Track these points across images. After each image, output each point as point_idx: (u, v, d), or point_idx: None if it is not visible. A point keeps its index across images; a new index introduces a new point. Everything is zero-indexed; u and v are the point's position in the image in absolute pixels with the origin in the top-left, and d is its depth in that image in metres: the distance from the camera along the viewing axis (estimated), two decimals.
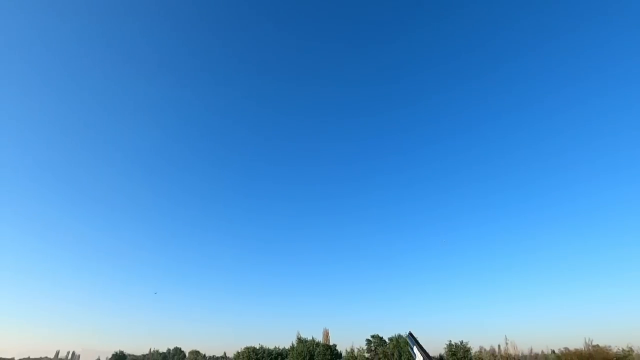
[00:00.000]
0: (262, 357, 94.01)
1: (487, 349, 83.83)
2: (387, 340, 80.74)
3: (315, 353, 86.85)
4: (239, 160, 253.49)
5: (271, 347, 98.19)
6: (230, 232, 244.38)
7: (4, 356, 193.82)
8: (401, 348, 74.33)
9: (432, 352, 79.96)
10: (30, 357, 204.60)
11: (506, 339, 77.65)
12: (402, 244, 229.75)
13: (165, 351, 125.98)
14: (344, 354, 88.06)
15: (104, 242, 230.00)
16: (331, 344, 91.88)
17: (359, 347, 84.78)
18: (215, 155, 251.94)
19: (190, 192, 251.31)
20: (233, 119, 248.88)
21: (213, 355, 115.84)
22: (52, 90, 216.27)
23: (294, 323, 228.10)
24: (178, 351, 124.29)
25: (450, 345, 74.14)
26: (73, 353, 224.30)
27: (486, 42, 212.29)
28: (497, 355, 78.49)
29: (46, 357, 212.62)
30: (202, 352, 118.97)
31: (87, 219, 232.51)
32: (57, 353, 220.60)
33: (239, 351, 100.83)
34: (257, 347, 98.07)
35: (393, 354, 74.68)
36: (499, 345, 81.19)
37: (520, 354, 78.63)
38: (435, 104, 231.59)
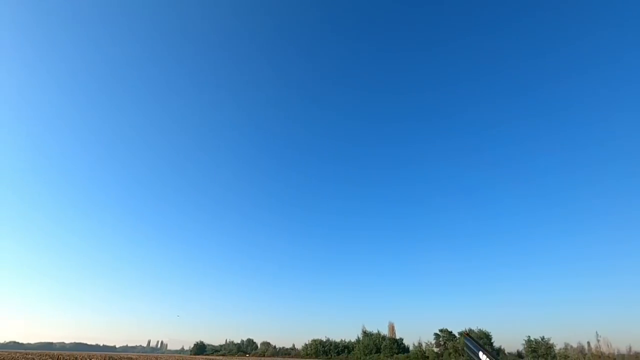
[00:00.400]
0: (329, 349, 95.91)
1: (574, 345, 75.63)
2: (457, 335, 77.09)
3: (382, 346, 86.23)
4: (315, 163, 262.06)
5: (337, 340, 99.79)
6: (300, 233, 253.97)
7: (108, 344, 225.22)
8: None
9: (507, 349, 74.66)
10: (128, 345, 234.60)
11: (597, 335, 69.34)
12: (476, 236, 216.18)
13: (239, 342, 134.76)
14: (411, 348, 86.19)
15: (185, 244, 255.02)
16: (397, 337, 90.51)
17: (427, 342, 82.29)
18: (290, 158, 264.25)
19: (268, 194, 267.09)
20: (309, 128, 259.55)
21: (282, 347, 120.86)
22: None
23: (359, 317, 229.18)
24: (250, 342, 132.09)
25: (529, 341, 68.36)
26: (161, 342, 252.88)
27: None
28: (586, 354, 70.43)
29: (140, 345, 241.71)
30: (272, 343, 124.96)
31: (172, 219, 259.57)
32: (149, 342, 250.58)
33: (307, 343, 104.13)
34: (324, 340, 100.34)
35: (464, 349, 71.19)
36: (587, 343, 72.88)
37: (616, 352, 69.58)
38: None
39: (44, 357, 31.02)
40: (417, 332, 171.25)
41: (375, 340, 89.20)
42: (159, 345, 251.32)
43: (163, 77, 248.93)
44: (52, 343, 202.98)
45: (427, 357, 76.52)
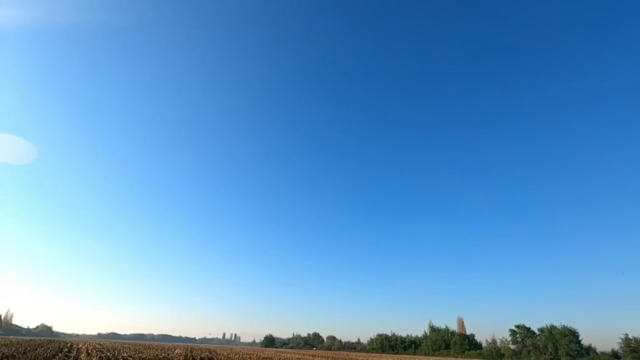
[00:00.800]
0: (395, 344, 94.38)
1: None
2: (536, 332, 70.86)
3: (451, 342, 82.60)
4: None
5: (403, 335, 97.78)
6: (367, 227, 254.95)
7: (189, 336, 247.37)
8: (557, 341, 64.08)
9: (600, 348, 66.59)
10: (206, 337, 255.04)
11: None
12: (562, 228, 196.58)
13: (305, 336, 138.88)
14: (483, 344, 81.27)
15: (257, 242, 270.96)
16: (467, 333, 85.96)
17: (501, 338, 76.86)
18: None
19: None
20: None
21: (348, 341, 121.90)
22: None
23: (425, 312, 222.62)
24: (317, 336, 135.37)
25: (627, 339, 60.27)
26: (235, 335, 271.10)
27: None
28: None
29: (216, 338, 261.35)
30: (338, 337, 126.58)
31: (246, 217, 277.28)
32: (224, 334, 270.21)
33: (372, 338, 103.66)
34: (389, 335, 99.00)
35: (547, 347, 65.01)
36: None
37: None
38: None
39: (137, 346, 35.03)
40: (488, 328, 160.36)
41: (444, 336, 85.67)
42: (232, 338, 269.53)
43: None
44: (143, 334, 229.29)
45: (503, 354, 71.51)
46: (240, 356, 23.34)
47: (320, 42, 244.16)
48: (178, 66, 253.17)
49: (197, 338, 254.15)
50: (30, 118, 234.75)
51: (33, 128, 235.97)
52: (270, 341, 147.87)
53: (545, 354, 64.12)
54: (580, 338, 63.91)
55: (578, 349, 61.85)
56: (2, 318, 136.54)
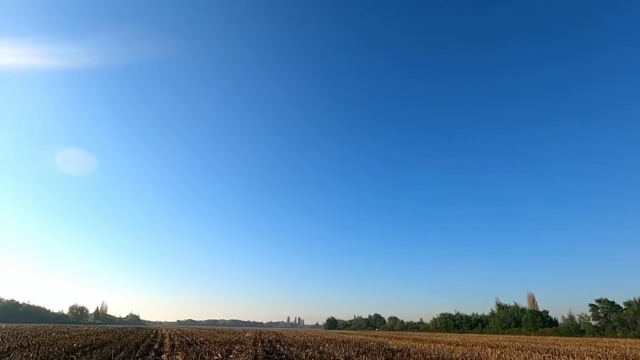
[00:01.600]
0: (460, 323, 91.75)
1: None
2: (622, 305, 64.29)
3: (522, 319, 78.20)
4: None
5: (468, 313, 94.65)
6: (429, 203, 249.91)
7: (257, 320, 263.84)
8: None
9: None
10: (272, 321, 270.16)
11: None
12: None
13: (367, 317, 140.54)
14: (559, 321, 75.81)
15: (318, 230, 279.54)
16: (539, 310, 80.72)
17: (580, 314, 70.98)
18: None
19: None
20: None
21: (410, 321, 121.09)
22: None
23: (491, 290, 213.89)
24: (378, 317, 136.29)
25: None
26: (299, 318, 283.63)
27: None
28: None
29: (281, 321, 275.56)
30: (400, 318, 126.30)
31: (303, 204, 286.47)
32: (288, 318, 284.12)
33: (435, 317, 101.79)
34: (454, 314, 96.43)
35: (635, 322, 58.77)
36: None
37: None
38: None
39: (212, 331, 38.10)
40: (564, 304, 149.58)
41: (513, 313, 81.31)
42: (297, 321, 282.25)
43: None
44: (216, 320, 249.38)
45: (583, 330, 66.13)
46: (305, 338, 24.21)
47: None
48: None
49: (264, 322, 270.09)
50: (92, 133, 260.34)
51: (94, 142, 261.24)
52: (332, 323, 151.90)
53: (634, 329, 58.08)
54: None
55: None
56: (99, 309, 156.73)
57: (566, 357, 13.79)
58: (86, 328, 46.51)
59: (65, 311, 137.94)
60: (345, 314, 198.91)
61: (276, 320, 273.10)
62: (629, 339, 48.57)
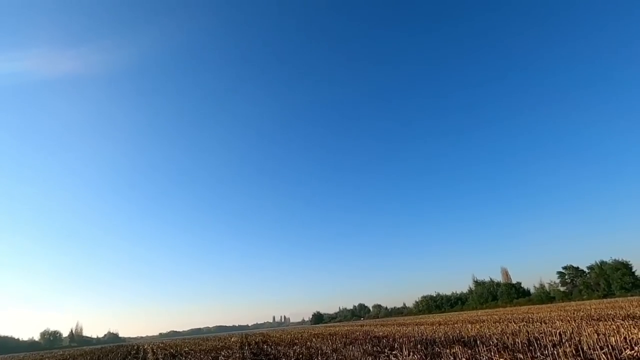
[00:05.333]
0: (441, 304, 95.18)
1: None
2: (585, 270, 69.14)
3: (498, 293, 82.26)
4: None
5: (448, 293, 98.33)
6: (399, 189, 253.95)
7: (242, 324, 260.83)
8: (608, 276, 62.25)
9: None
10: (257, 322, 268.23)
11: None
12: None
13: (352, 308, 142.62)
14: (532, 291, 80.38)
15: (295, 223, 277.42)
16: (514, 282, 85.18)
17: (549, 282, 75.63)
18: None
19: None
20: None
21: (394, 307, 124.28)
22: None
23: (467, 267, 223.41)
24: (362, 307, 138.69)
25: None
26: (284, 317, 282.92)
27: None
28: None
29: (267, 322, 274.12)
30: (384, 305, 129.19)
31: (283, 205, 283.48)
32: (274, 318, 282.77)
33: (417, 301, 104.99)
34: (434, 295, 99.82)
35: (599, 284, 63.38)
36: None
37: None
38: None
39: (196, 340, 37.26)
40: (535, 274, 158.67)
41: (489, 288, 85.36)
42: (282, 320, 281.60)
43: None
44: (200, 328, 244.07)
45: (553, 297, 70.52)
46: (292, 335, 24.22)
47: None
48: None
49: (249, 325, 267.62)
50: None
51: None
52: (318, 318, 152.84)
53: (597, 290, 62.64)
54: (634, 269, 61.79)
55: (632, 280, 59.94)
56: (74, 331, 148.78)
57: (539, 323, 14.62)
58: (61, 353, 44.11)
59: (37, 337, 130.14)
60: (330, 307, 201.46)
61: (262, 322, 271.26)
62: (593, 300, 52.36)
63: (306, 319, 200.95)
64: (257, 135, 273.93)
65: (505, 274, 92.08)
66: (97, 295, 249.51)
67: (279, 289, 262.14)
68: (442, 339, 11.45)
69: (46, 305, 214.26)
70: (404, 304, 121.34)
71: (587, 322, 12.59)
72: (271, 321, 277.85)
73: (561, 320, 15.33)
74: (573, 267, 71.27)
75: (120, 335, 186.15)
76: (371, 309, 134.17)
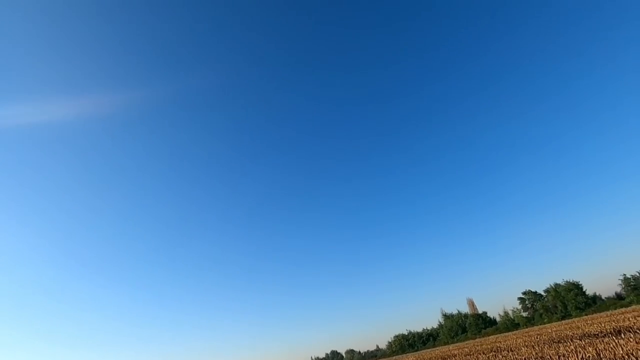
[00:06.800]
0: (414, 342, 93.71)
1: None
2: (543, 294, 72.45)
3: (467, 325, 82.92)
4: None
5: (419, 330, 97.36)
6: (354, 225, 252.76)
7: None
8: (563, 297, 65.66)
9: (604, 294, 68.49)
10: None
11: None
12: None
13: (324, 356, 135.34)
14: (497, 319, 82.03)
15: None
16: (480, 312, 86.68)
17: (512, 308, 77.97)
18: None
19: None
20: None
21: (367, 350, 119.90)
22: None
23: (435, 301, 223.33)
24: (335, 353, 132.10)
25: (626, 279, 62.50)
26: None
27: None
28: None
29: None
30: (356, 349, 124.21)
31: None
32: None
33: (390, 341, 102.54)
34: (406, 333, 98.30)
35: (556, 306, 66.42)
36: None
37: None
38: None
39: None
40: (498, 301, 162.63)
41: (458, 321, 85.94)
42: None
43: None
44: None
45: (518, 324, 72.38)
46: None
47: None
48: None
49: None
50: None
51: None
52: None
53: (556, 313, 65.40)
54: (584, 289, 65.80)
55: (585, 300, 63.56)
56: None
57: (507, 352, 14.85)
58: None
59: None
60: (301, 358, 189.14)
61: None
62: (553, 323, 54.46)
63: None
64: None
65: (472, 304, 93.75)
66: None
67: (242, 341, 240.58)
68: None
69: None
70: (377, 346, 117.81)
71: (548, 346, 13.02)
72: None
73: (526, 346, 15.70)
74: (531, 291, 74.41)
75: None
76: (344, 355, 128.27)
